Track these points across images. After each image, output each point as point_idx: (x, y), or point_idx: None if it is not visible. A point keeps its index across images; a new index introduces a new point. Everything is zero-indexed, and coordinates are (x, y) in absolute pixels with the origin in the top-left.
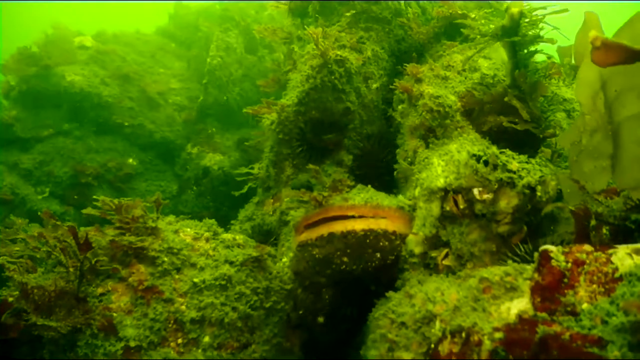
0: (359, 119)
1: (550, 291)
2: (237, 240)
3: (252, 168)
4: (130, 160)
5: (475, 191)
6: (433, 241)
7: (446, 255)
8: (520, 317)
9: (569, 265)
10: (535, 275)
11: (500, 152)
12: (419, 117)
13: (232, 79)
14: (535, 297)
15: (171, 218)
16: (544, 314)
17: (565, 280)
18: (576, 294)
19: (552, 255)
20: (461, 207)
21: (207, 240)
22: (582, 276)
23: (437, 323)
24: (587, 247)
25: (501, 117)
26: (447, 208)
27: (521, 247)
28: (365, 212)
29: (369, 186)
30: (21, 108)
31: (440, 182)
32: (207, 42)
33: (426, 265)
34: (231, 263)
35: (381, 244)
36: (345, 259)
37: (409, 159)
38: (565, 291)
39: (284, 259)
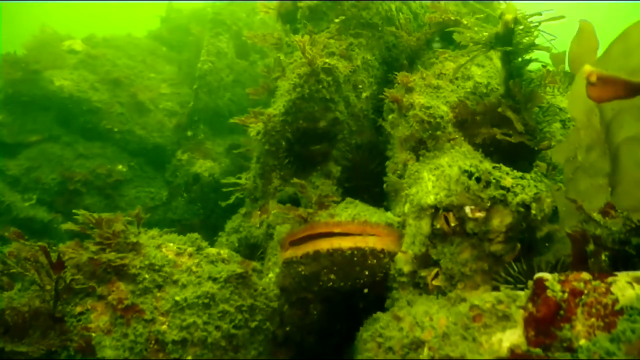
0: (348, 129)
1: (545, 324)
2: (222, 255)
3: (240, 178)
4: (120, 167)
5: (467, 209)
6: (423, 260)
7: (436, 275)
8: (512, 351)
9: (566, 295)
10: (530, 305)
11: (494, 167)
12: (409, 128)
13: (223, 84)
14: (529, 329)
15: (154, 232)
16: (538, 350)
17: (562, 312)
18: (573, 328)
19: (547, 284)
20: (452, 225)
21: (190, 255)
22: (580, 308)
23: (425, 350)
24: (585, 275)
25: (495, 129)
26: (438, 226)
27: (514, 266)
28: (353, 229)
29: (357, 201)
30: (7, 113)
31: (431, 199)
32: (198, 46)
33: (415, 285)
34: (215, 280)
35: (369, 261)
36: (332, 277)
37: (399, 172)
38: (562, 324)
39: (270, 274)
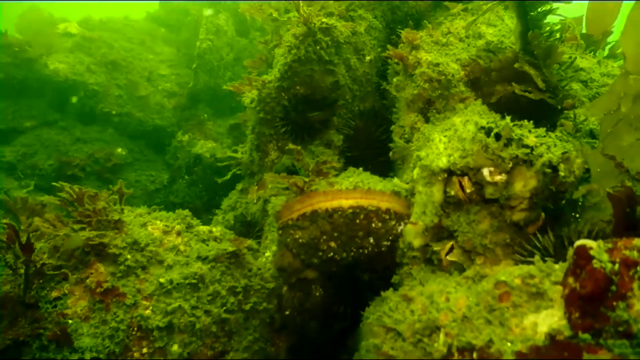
0: (350, 94)
1: (593, 303)
2: (214, 233)
3: (236, 152)
4: (119, 150)
5: (485, 171)
6: (435, 232)
7: (451, 249)
8: (551, 337)
9: (617, 267)
10: (570, 280)
11: (514, 125)
12: (416, 87)
13: (223, 63)
14: (571, 310)
15: (142, 210)
16: (586, 335)
17: (613, 287)
18: (630, 307)
19: (592, 253)
20: (468, 191)
21: (178, 233)
22: (636, 282)
23: (441, 336)
24: (638, 242)
25: (513, 84)
26: (452, 192)
27: (540, 237)
28: (354, 198)
29: (360, 169)
30: (0, 98)
31: (443, 162)
32: (196, 26)
33: (428, 261)
34: (204, 259)
35: (373, 224)
36: (332, 244)
37: (406, 136)
38: (614, 303)
39: (267, 253)
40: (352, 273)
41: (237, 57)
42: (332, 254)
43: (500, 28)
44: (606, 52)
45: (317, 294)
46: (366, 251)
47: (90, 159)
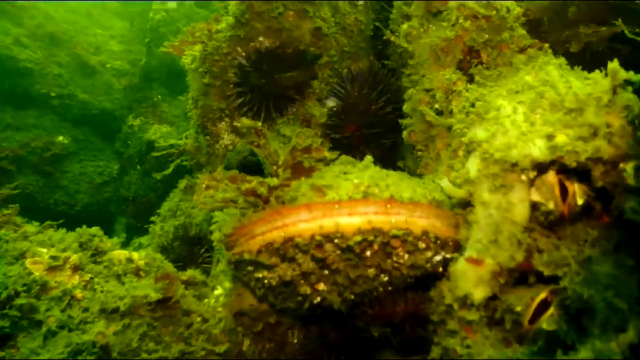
0: (338, 49)
1: None
2: (135, 262)
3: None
4: (61, 138)
5: (632, 167)
6: (514, 275)
7: (544, 305)
8: None
9: None
10: None
11: None
12: (452, 29)
13: None
14: None
15: (31, 227)
16: None
17: None
18: None
19: None
20: (580, 202)
21: (75, 268)
22: None
23: None
24: None
25: (616, 23)
26: (545, 202)
27: None
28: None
29: (368, 159)
30: None
31: (538, 149)
32: None
33: (496, 323)
34: (112, 314)
35: (395, 258)
36: (321, 287)
37: (438, 105)
38: None
39: (218, 290)
40: (350, 322)
41: None
42: (319, 299)
43: None
44: None
45: (295, 340)
46: (375, 293)
47: (25, 149)
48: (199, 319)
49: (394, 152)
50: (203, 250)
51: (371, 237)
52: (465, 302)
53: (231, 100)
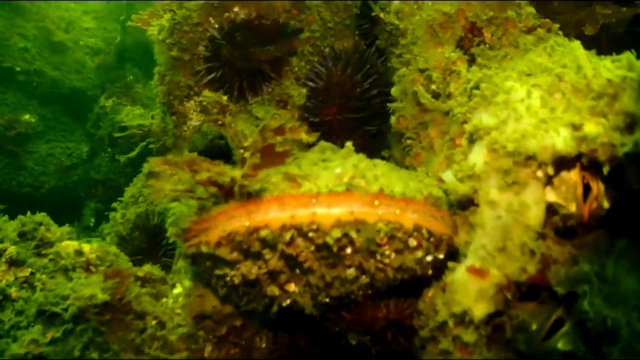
0: (321, 24)
1: None
2: (86, 255)
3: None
4: (27, 117)
5: None
6: (521, 290)
7: (558, 323)
8: None
9: None
10: None
11: None
12: (451, 4)
13: None
14: None
15: None
16: None
17: None
18: None
19: None
20: (605, 205)
21: (10, 263)
22: None
23: None
24: None
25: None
26: (565, 206)
27: None
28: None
29: (348, 145)
30: None
31: (557, 141)
32: None
33: (495, 341)
34: (51, 318)
35: (379, 257)
36: (292, 288)
37: (435, 87)
38: None
39: (177, 289)
40: (324, 327)
41: None
42: (289, 301)
43: None
44: None
45: (264, 345)
46: (354, 296)
47: None
48: (154, 322)
49: (378, 141)
50: (165, 241)
51: (353, 233)
52: (463, 319)
53: (200, 77)
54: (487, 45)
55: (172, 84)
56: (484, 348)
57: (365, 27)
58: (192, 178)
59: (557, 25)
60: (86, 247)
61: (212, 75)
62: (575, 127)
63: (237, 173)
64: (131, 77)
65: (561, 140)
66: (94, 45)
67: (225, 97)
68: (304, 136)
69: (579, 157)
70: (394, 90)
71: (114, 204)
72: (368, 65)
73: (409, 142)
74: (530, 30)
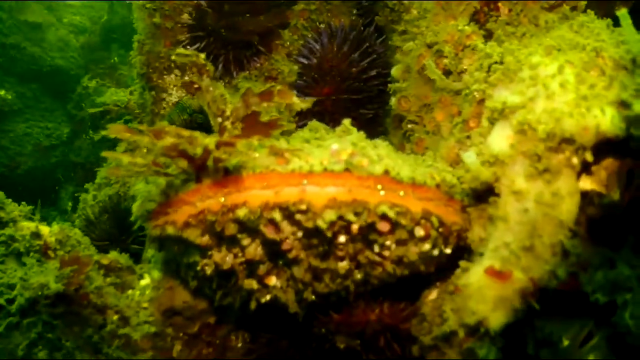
0: None
1: None
2: (45, 237)
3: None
4: (2, 93)
5: None
6: (548, 297)
7: (588, 339)
8: None
9: None
10: None
11: None
12: None
13: None
14: None
15: None
16: None
17: None
18: None
19: None
20: None
21: None
22: None
23: None
24: None
25: None
26: (607, 194)
27: None
28: (345, 193)
29: (345, 122)
30: None
31: (602, 121)
32: None
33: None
34: None
35: (377, 248)
36: (272, 282)
37: (447, 62)
38: None
39: (145, 280)
40: (309, 327)
41: None
42: (268, 297)
43: None
44: None
45: (240, 345)
46: (344, 294)
47: None
48: (115, 317)
49: (374, 127)
50: (136, 227)
51: (349, 215)
52: (477, 329)
53: (183, 47)
54: (505, 21)
55: (152, 54)
56: None
57: (365, 5)
58: (156, 147)
59: (584, 2)
60: (45, 229)
61: (196, 45)
62: (625, 105)
63: (211, 141)
64: (116, 58)
65: (607, 120)
66: (79, 23)
67: (202, 55)
68: (296, 101)
69: (625, 140)
70: (394, 70)
71: (86, 185)
72: (366, 44)
73: (410, 126)
74: (552, 8)
